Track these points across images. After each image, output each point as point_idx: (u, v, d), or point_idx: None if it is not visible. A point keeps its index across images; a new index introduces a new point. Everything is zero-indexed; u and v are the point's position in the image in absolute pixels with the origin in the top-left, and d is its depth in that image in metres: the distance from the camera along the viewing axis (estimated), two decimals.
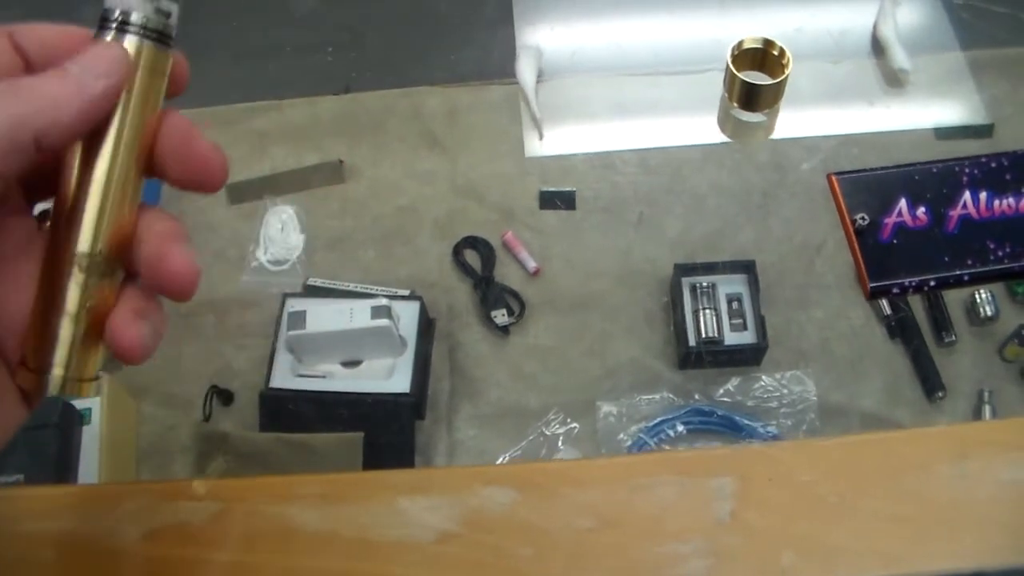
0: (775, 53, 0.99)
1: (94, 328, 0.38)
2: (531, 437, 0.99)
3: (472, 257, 1.09)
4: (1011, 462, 0.43)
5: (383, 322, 0.94)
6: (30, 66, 0.38)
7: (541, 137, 1.13)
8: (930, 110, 1.15)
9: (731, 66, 1.00)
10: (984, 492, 0.42)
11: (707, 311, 1.00)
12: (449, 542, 0.42)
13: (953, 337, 1.01)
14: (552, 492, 0.43)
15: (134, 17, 0.38)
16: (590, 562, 0.41)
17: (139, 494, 0.44)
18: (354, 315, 0.96)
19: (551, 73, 1.18)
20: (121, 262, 0.39)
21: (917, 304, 1.03)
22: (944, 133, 1.13)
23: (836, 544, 0.41)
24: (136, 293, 0.39)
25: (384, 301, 0.95)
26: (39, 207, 0.41)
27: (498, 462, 0.98)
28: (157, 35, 0.38)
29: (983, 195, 0.49)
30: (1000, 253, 0.48)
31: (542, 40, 1.20)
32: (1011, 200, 0.49)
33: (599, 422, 1.00)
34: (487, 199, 1.13)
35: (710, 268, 1.03)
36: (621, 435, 0.99)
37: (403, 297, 1.02)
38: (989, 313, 1.01)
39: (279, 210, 1.13)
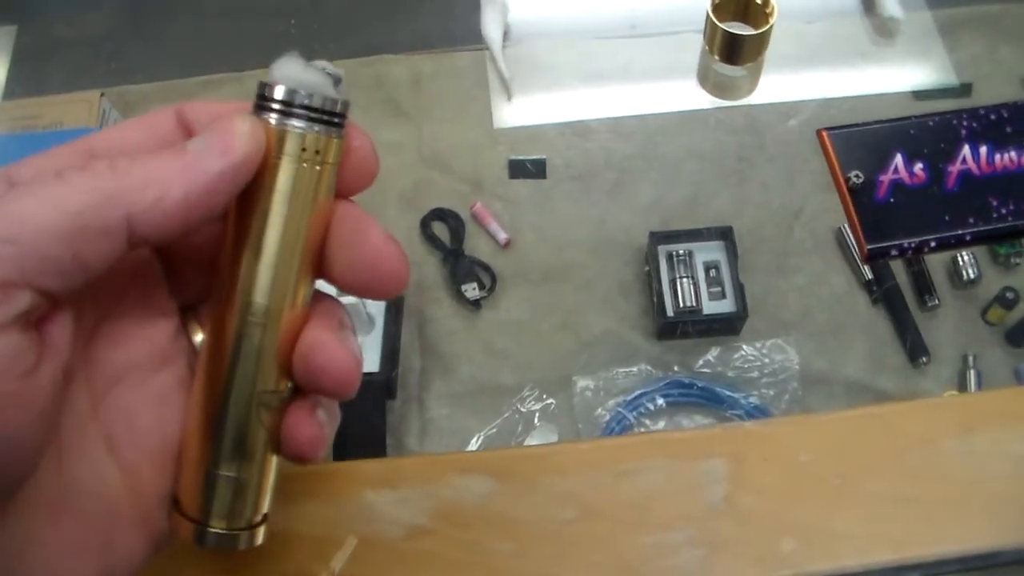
0: (759, 2, 0.95)
1: (269, 459, 0.33)
2: (506, 414, 0.96)
3: (440, 230, 1.05)
4: (1021, 434, 0.40)
5: (349, 300, 0.91)
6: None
7: (510, 98, 1.09)
8: (907, 71, 1.13)
9: (712, 16, 0.95)
10: (994, 467, 0.40)
11: (684, 280, 0.97)
12: (421, 538, 0.38)
13: (936, 301, 0.99)
14: (531, 481, 0.40)
15: (279, 92, 0.31)
16: (574, 556, 0.38)
17: None
18: None
19: (519, 37, 1.14)
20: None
21: (899, 268, 1.01)
22: (922, 94, 1.10)
23: (839, 529, 0.38)
24: None
25: None
26: None
27: (472, 441, 0.95)
28: (317, 115, 0.31)
29: (983, 149, 0.46)
30: (1004, 211, 0.45)
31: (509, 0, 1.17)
32: (1013, 154, 0.46)
33: (576, 397, 0.97)
34: (455, 169, 1.09)
35: (687, 235, 1.00)
36: (599, 410, 0.96)
37: None
38: (972, 276, 0.99)
39: None
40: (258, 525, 0.33)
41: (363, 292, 0.33)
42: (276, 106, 0.31)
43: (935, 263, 1.01)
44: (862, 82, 1.10)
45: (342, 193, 0.33)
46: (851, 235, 0.51)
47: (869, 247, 0.44)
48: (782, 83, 1.08)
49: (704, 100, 1.07)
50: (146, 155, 0.29)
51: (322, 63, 0.32)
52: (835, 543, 0.38)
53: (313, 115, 0.31)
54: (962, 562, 0.38)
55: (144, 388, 0.32)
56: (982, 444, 0.40)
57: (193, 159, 0.29)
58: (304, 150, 0.31)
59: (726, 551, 0.38)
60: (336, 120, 0.32)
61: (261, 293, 0.31)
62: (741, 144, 1.09)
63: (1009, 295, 0.96)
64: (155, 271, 0.33)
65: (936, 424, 0.41)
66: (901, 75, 1.12)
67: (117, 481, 0.31)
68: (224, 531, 0.32)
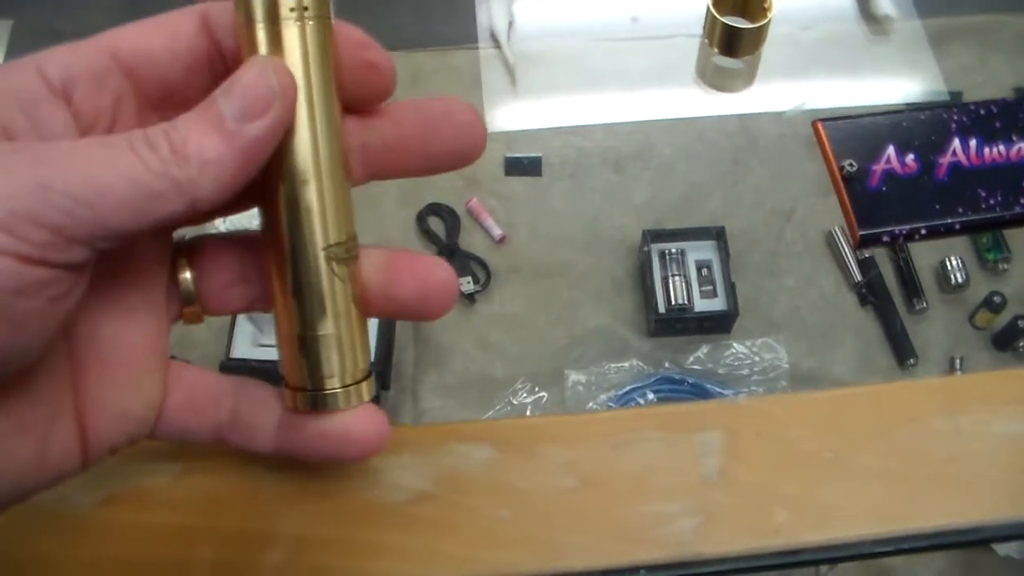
0: None
1: (357, 313, 0.34)
2: (498, 407, 0.97)
3: (437, 224, 1.07)
4: (1005, 415, 0.42)
5: None
6: (221, 49, 0.33)
7: (514, 83, 1.10)
8: (897, 81, 1.14)
9: (712, 9, 0.98)
10: (979, 446, 0.41)
11: (676, 278, 0.99)
12: (423, 503, 0.39)
13: (924, 304, 1.00)
14: (531, 450, 0.41)
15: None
16: (572, 523, 0.39)
17: None
18: None
19: (520, 36, 1.15)
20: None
21: (888, 271, 1.02)
22: (914, 107, 1.11)
23: (829, 502, 0.39)
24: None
25: None
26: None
27: None
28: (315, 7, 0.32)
29: (973, 142, 0.47)
30: (992, 201, 0.46)
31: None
32: (1001, 148, 0.47)
33: (567, 391, 0.98)
34: None
35: (679, 234, 1.01)
36: (590, 404, 0.97)
37: None
38: (959, 280, 1.01)
39: None
40: (363, 379, 0.35)
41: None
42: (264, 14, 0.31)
43: (924, 267, 1.03)
44: (854, 92, 1.12)
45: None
46: (843, 224, 0.52)
47: (861, 233, 0.46)
48: (777, 88, 1.09)
49: (700, 102, 1.09)
50: (191, 126, 0.29)
51: None
52: (825, 515, 0.39)
53: (307, 12, 0.32)
54: (944, 536, 0.39)
55: (127, 317, 0.33)
56: (966, 424, 0.41)
57: (234, 130, 0.29)
58: (293, 9, 0.31)
59: (720, 521, 0.39)
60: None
61: (302, 150, 0.32)
62: (735, 147, 1.10)
63: (996, 299, 0.97)
64: None
65: (924, 404, 0.42)
66: (892, 85, 1.14)
67: (66, 379, 0.32)
68: (336, 390, 0.34)
